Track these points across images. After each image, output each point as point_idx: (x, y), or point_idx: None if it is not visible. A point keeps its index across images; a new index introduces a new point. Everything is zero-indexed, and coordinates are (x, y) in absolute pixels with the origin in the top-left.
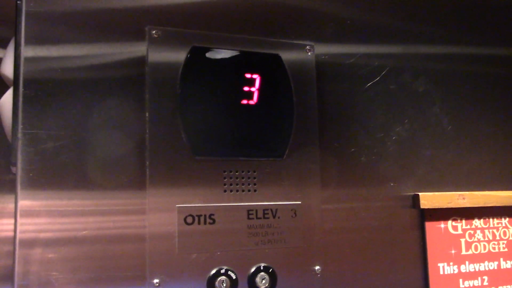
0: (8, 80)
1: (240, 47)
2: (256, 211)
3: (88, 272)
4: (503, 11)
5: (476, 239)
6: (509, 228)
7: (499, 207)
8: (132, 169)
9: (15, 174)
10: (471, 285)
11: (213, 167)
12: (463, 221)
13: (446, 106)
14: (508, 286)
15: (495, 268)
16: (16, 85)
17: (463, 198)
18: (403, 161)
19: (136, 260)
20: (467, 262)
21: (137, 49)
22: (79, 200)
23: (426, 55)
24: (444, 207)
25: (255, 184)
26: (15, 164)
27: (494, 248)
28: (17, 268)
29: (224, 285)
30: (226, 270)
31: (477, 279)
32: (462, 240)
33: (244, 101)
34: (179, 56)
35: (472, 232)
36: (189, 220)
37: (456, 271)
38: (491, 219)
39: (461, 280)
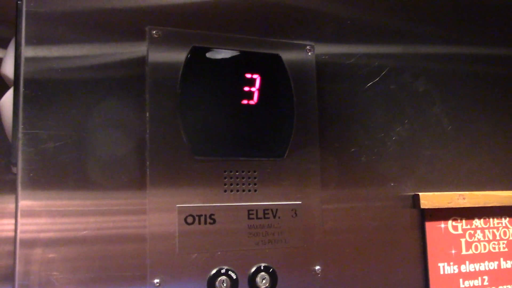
0: (8, 80)
1: (240, 47)
2: (257, 211)
3: (89, 272)
4: (503, 11)
5: (476, 239)
6: (509, 228)
7: (499, 207)
8: (132, 169)
9: (15, 174)
10: (471, 285)
11: (214, 167)
12: (463, 221)
13: (446, 106)
14: (508, 286)
15: (495, 268)
16: (17, 85)
17: (463, 198)
18: (403, 161)
19: (136, 260)
20: (467, 262)
21: (137, 49)
22: (80, 200)
23: (426, 55)
24: (444, 207)
25: (255, 184)
26: (15, 164)
27: (494, 248)
28: (17, 268)
29: (225, 285)
30: (227, 270)
31: (477, 279)
32: (462, 240)
33: (244, 101)
34: (179, 56)
35: (472, 232)
36: (190, 220)
37: (456, 271)
38: (491, 219)
39: (461, 280)
